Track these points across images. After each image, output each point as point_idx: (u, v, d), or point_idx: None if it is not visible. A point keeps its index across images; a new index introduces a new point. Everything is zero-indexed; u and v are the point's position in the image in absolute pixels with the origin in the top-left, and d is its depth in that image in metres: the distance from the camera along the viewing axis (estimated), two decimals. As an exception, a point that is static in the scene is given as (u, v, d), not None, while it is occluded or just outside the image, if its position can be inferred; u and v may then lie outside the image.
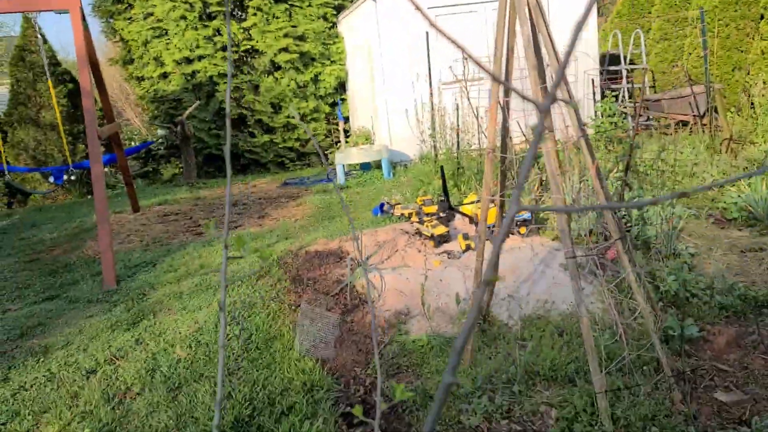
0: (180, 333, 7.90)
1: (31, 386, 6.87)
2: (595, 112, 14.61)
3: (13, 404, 6.50)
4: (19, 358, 7.54)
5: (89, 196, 18.99)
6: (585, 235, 7.48)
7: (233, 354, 7.33)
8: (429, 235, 9.24)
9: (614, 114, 13.83)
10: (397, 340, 7.45)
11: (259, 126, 21.72)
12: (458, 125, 13.29)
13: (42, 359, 7.48)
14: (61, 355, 7.55)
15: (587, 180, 7.18)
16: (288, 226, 12.35)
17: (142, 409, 6.43)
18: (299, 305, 8.29)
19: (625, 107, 15.78)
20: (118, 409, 6.46)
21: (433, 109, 14.41)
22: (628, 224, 8.14)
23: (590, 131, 14.33)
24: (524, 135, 8.73)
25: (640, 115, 14.26)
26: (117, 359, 7.42)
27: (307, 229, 11.89)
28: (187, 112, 18.92)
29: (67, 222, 14.95)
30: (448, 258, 8.84)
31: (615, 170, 9.78)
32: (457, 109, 13.37)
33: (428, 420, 0.98)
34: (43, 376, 7.06)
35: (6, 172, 14.73)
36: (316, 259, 9.78)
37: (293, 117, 21.15)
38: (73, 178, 15.91)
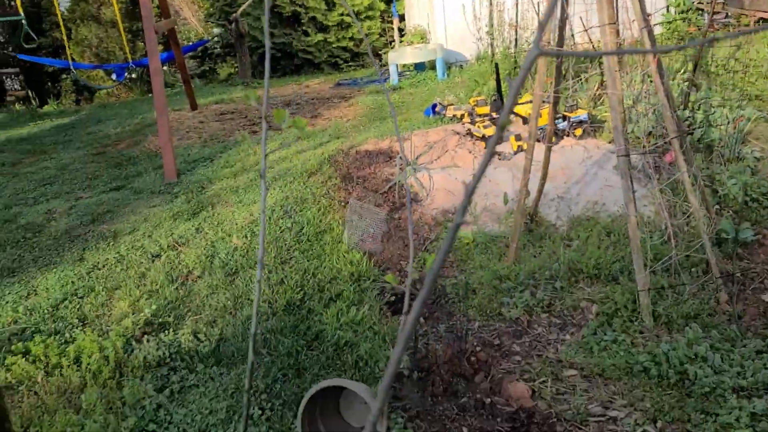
0: (236, 224, 8.27)
1: (103, 266, 7.43)
2: (667, 7, 13.63)
3: (88, 281, 7.08)
4: (92, 241, 8.10)
5: (150, 95, 19.43)
6: (642, 137, 7.23)
7: (285, 245, 7.67)
8: (480, 135, 9.13)
9: (688, 9, 12.88)
10: (442, 238, 7.60)
11: (312, 24, 21.35)
12: (517, 21, 12.70)
13: (112, 243, 8.02)
14: (129, 239, 8.07)
15: (650, 78, 6.85)
16: (339, 126, 12.39)
17: (203, 290, 6.89)
18: (348, 202, 8.50)
19: (701, 2, 14.64)
20: (181, 290, 6.94)
21: (491, 4, 13.76)
22: (692, 126, 7.80)
23: (659, 29, 13.45)
24: (584, 25, 8.29)
25: (717, 12, 13.22)
26: (179, 245, 7.88)
27: (358, 129, 11.91)
28: (241, 8, 18.72)
29: (130, 118, 15.46)
30: (499, 159, 8.76)
31: (683, 70, 9.25)
32: (517, 4, 12.74)
33: (436, 259, 1.03)
34: (114, 257, 7.60)
35: (72, 69, 15.17)
36: (366, 158, 9.87)
37: (347, 14, 20.65)
38: (134, 75, 16.26)
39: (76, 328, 6.21)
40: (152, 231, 8.35)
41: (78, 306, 6.64)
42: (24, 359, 5.50)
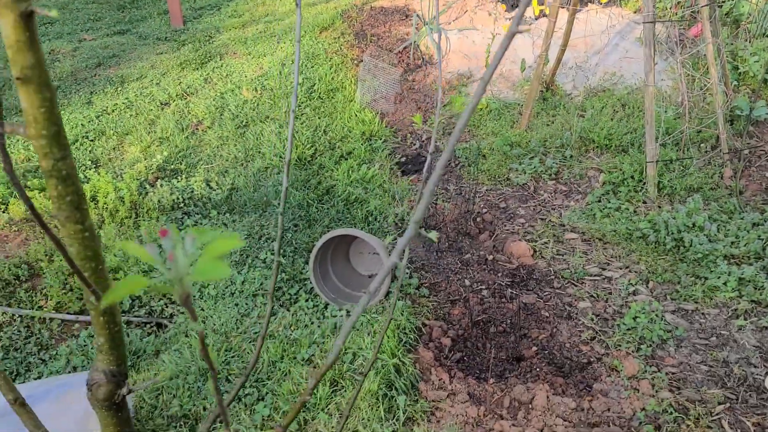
0: (246, 76, 8.15)
1: (113, 111, 7.42)
2: None
3: (98, 124, 7.10)
4: (99, 85, 8.01)
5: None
6: (670, 8, 6.95)
7: (296, 101, 7.62)
8: (501, -4, 8.74)
9: None
10: (458, 102, 7.55)
11: None
12: None
13: (120, 88, 7.94)
14: (137, 86, 7.98)
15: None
16: (353, -20, 11.79)
17: (213, 141, 6.95)
18: (362, 60, 8.30)
19: None
20: (191, 139, 7.00)
21: None
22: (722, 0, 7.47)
23: None
24: None
25: None
26: (188, 95, 7.82)
27: (372, -16, 11.34)
28: None
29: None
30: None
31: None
32: None
33: (462, 117, 1.03)
34: (122, 103, 7.56)
35: None
36: (381, 15, 9.52)
37: None
38: None
39: (89, 169, 6.32)
40: (160, 78, 8.23)
41: (90, 148, 6.72)
42: (41, 194, 5.66)
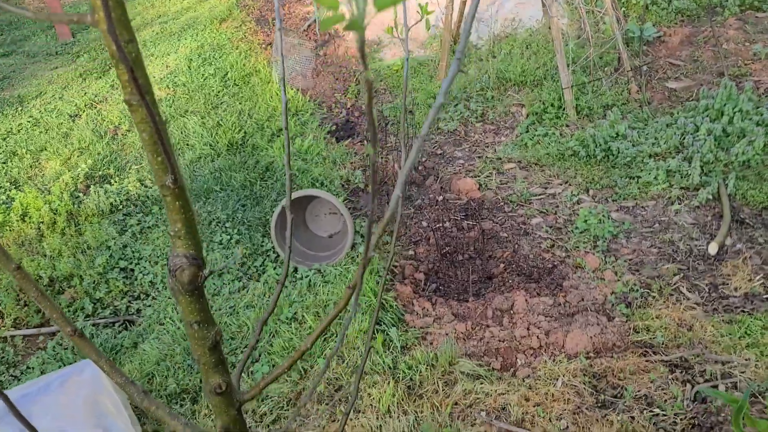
0: (155, 77, 7.94)
1: (18, 131, 7.03)
2: None
3: (6, 146, 6.71)
4: (-3, 108, 7.55)
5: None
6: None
7: (213, 91, 7.52)
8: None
9: None
10: (372, 68, 7.72)
11: None
12: None
13: (20, 108, 7.52)
14: (39, 103, 7.59)
15: None
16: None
17: (137, 142, 6.75)
18: (270, 44, 8.31)
19: None
20: (112, 144, 6.77)
21: None
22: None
23: None
24: None
25: None
26: (97, 103, 7.53)
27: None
28: None
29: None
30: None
31: None
32: None
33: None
34: (27, 121, 7.17)
35: None
36: None
37: None
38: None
39: (10, 190, 6.00)
40: (62, 92, 7.87)
41: (4, 170, 6.36)
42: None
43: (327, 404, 3.57)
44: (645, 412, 3.03)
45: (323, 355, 3.90)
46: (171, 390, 3.78)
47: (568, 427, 3.08)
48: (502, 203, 5.09)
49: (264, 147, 6.38)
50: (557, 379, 3.32)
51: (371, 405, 3.48)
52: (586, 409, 3.13)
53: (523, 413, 3.21)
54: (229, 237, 5.37)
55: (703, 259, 4.05)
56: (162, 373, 3.92)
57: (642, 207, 4.65)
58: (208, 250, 5.25)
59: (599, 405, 3.15)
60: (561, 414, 3.15)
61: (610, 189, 4.89)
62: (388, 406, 3.44)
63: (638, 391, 3.14)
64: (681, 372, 3.21)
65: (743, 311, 3.56)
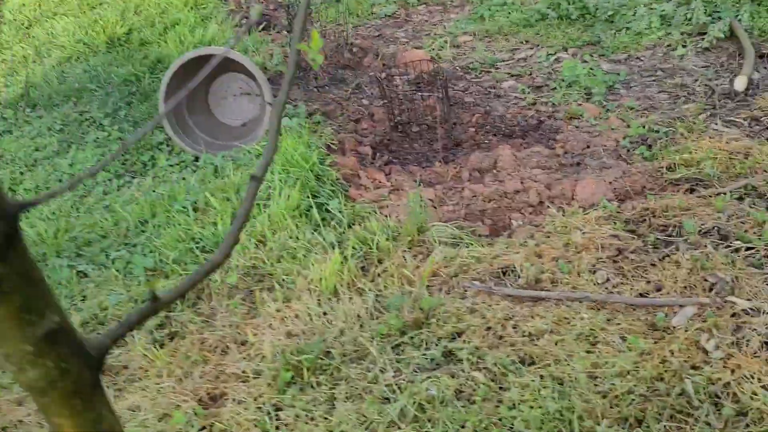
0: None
1: None
2: None
3: None
4: None
5: None
6: None
7: (92, -5, 6.11)
8: None
9: None
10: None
11: None
12: None
13: None
14: None
15: None
16: None
17: (-11, 45, 5.29)
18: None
19: None
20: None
21: None
22: None
23: None
24: None
25: None
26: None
27: None
28: None
29: None
30: None
31: None
32: None
33: None
34: None
35: None
36: None
37: None
38: None
39: None
40: None
41: None
42: None
43: (243, 298, 2.38)
44: (720, 248, 2.03)
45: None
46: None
47: (608, 278, 2.04)
48: (461, 72, 4.04)
49: (155, 41, 5.07)
50: (576, 232, 2.28)
51: (309, 289, 2.32)
52: (632, 253, 2.10)
53: (537, 273, 2.15)
54: (107, 134, 4.07)
55: (729, 97, 3.14)
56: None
57: (637, 58, 3.72)
58: (78, 149, 3.93)
59: (651, 247, 2.12)
60: (595, 265, 2.11)
61: (593, 46, 3.94)
62: (335, 286, 2.29)
63: (703, 225, 2.14)
64: (755, 200, 2.24)
65: (806, 136, 2.66)
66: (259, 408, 1.87)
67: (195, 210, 3.03)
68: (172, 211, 3.00)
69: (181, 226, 2.87)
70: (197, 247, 2.73)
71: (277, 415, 1.84)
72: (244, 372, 2.02)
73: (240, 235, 1.07)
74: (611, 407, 1.58)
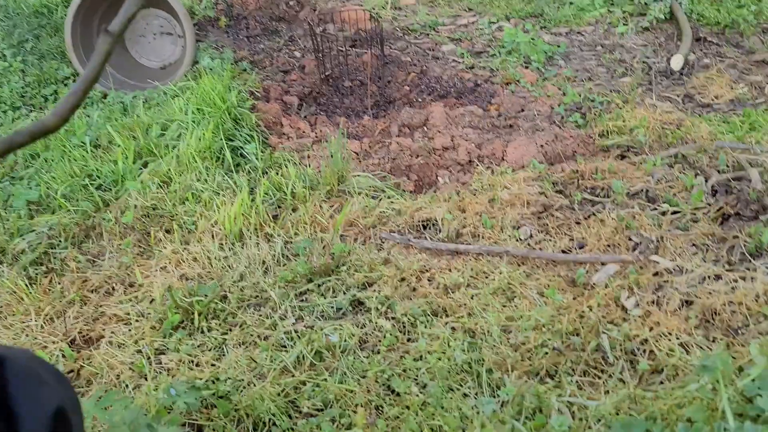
0: None
1: None
2: None
3: None
4: None
5: None
6: None
7: None
8: None
9: None
10: None
11: None
12: None
13: None
14: None
15: None
16: None
17: None
18: None
19: None
20: None
21: None
22: None
23: None
24: None
25: None
26: None
27: None
28: None
29: None
30: None
31: None
32: None
33: None
34: None
35: None
36: None
37: None
38: None
39: None
40: None
41: None
42: None
43: (138, 239, 2.14)
44: (647, 209, 1.95)
45: (136, 178, 2.44)
46: None
47: (531, 235, 1.92)
48: (400, 33, 3.88)
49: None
50: (503, 190, 2.16)
51: (212, 232, 2.10)
52: (557, 210, 2.00)
53: (458, 227, 2.01)
54: (7, 65, 3.67)
55: (665, 75, 3.11)
56: None
57: (578, 33, 3.65)
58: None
59: (577, 205, 2.02)
60: (518, 220, 1.99)
61: (535, 18, 3.86)
62: (240, 230, 2.08)
63: (631, 187, 2.06)
64: (684, 167, 2.18)
65: (735, 114, 2.63)
66: (139, 351, 1.66)
67: (96, 147, 2.75)
68: (68, 145, 2.70)
69: (77, 161, 2.58)
70: (93, 184, 2.45)
71: (158, 359, 1.63)
72: (127, 314, 1.79)
73: (84, 98, 0.86)
74: (522, 360, 1.46)
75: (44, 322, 1.77)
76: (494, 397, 1.36)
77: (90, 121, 2.92)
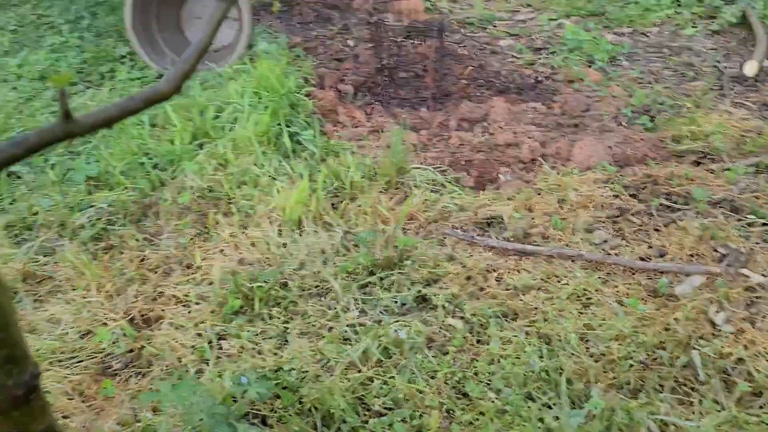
0: None
1: None
2: None
3: None
4: None
5: None
6: None
7: None
8: None
9: None
10: None
11: None
12: None
13: None
14: None
15: None
16: None
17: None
18: None
19: None
20: None
21: None
22: None
23: None
24: None
25: None
26: None
27: None
28: None
29: None
30: None
31: None
32: None
33: None
34: None
35: None
36: None
37: None
38: None
39: None
40: None
41: None
42: None
43: (195, 220, 2.10)
44: (732, 220, 1.85)
45: (193, 159, 2.41)
46: None
47: (606, 240, 1.84)
48: (456, 26, 3.80)
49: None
50: (571, 191, 2.08)
51: (270, 217, 2.06)
52: (633, 215, 1.91)
53: (526, 227, 1.93)
54: (64, 40, 3.70)
55: (738, 81, 2.97)
56: None
57: (642, 33, 3.53)
58: (31, 51, 3.55)
59: (655, 210, 1.93)
60: (592, 224, 1.90)
61: (596, 17, 3.74)
62: (299, 217, 2.03)
63: (713, 195, 1.96)
64: (768, 176, 2.07)
65: (817, 124, 2.50)
66: (199, 335, 1.62)
67: (153, 126, 2.72)
68: (125, 123, 2.69)
69: (135, 139, 2.56)
70: (149, 163, 2.43)
71: (219, 344, 1.58)
72: (186, 296, 1.76)
73: (195, 66, 0.81)
74: (605, 372, 1.38)
75: (105, 299, 1.74)
76: (577, 408, 1.29)
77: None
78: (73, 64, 3.46)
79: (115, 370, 1.55)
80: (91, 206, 2.16)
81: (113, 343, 1.61)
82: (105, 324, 1.66)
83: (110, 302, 1.74)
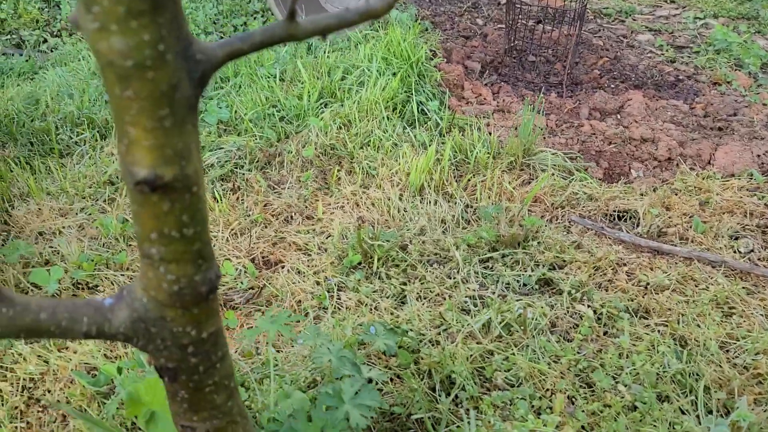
0: None
1: None
2: None
3: None
4: None
5: None
6: None
7: None
8: None
9: None
10: None
11: None
12: None
13: None
14: None
15: None
16: None
17: None
18: None
19: None
20: None
21: None
22: None
23: None
24: None
25: None
26: None
27: None
28: None
29: None
30: None
31: None
32: None
33: None
34: None
35: None
36: None
37: None
38: None
39: None
40: None
41: None
42: None
43: (316, 174, 2.12)
44: None
45: (318, 116, 2.43)
46: (66, 114, 2.30)
47: (753, 249, 1.70)
48: (592, 16, 3.63)
49: None
50: (715, 195, 1.93)
51: (392, 181, 2.04)
52: (788, 229, 1.75)
53: (663, 225, 1.82)
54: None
55: None
56: (60, 99, 2.44)
57: (801, 42, 3.24)
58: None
59: (814, 227, 1.77)
60: (738, 231, 1.76)
61: (747, 20, 3.47)
62: (422, 184, 2.01)
63: None
64: None
65: None
66: (318, 283, 1.63)
67: (281, 80, 2.77)
68: (257, 75, 2.75)
69: (264, 90, 2.62)
70: (277, 114, 2.47)
71: (338, 295, 1.59)
72: (306, 244, 1.77)
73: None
74: (751, 385, 1.27)
75: (230, 236, 1.79)
76: (718, 417, 1.19)
77: (277, 55, 2.96)
78: (209, 14, 3.58)
79: (236, 304, 1.59)
80: (221, 148, 2.23)
81: (236, 278, 1.65)
82: (229, 260, 1.71)
83: (235, 240, 1.78)
